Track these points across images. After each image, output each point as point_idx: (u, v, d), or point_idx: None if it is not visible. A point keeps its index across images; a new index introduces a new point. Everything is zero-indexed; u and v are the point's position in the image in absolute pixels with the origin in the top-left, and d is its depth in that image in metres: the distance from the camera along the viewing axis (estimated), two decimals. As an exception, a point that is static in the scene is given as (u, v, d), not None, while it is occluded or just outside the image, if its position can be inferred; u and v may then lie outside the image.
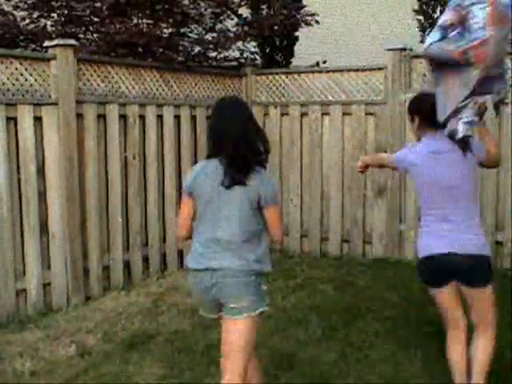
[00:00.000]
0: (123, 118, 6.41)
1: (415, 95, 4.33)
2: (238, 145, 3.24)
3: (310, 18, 8.48)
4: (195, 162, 7.17)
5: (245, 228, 3.26)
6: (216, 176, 3.25)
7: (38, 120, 5.60)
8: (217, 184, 3.25)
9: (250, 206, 3.25)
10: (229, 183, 3.23)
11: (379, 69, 7.31)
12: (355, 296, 6.01)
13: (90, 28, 7.33)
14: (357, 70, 7.48)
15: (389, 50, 7.20)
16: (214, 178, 3.26)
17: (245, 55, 8.64)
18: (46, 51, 5.85)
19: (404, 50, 7.16)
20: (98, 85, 6.16)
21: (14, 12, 7.16)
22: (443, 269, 3.68)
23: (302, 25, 8.60)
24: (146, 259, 6.74)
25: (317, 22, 8.58)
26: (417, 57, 7.09)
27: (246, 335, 3.27)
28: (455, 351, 3.74)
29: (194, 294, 3.50)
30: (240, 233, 3.25)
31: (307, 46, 11.66)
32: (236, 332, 3.28)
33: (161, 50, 6.81)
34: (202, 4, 7.71)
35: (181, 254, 7.14)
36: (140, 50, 6.96)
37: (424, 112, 3.83)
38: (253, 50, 9.06)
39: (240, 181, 3.22)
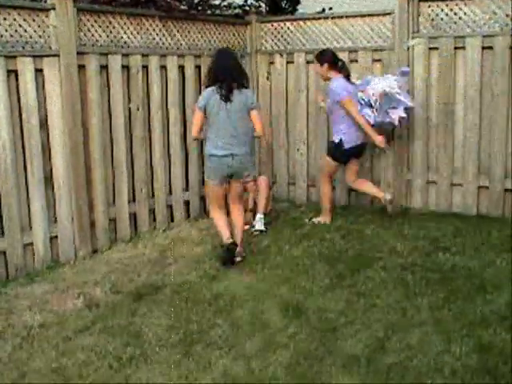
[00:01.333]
0: (126, 68, 6.29)
1: (322, 49, 6.85)
2: (233, 77, 5.39)
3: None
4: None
5: (245, 125, 5.45)
6: (220, 96, 5.34)
7: (39, 72, 5.49)
8: (220, 100, 5.34)
9: (244, 112, 5.42)
10: (229, 99, 5.35)
11: (386, 14, 7.12)
12: (362, 245, 5.99)
13: (90, -23, 7.14)
14: (363, 16, 7.28)
15: (396, -7, 7.00)
16: (219, 97, 5.35)
17: (249, 2, 8.44)
18: (45, 1, 5.71)
19: (412, -7, 6.96)
20: (100, 35, 6.02)
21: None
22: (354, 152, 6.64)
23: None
24: (152, 211, 6.71)
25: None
26: (425, 0, 6.89)
27: (241, 191, 5.77)
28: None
29: (214, 170, 5.51)
30: (243, 129, 5.44)
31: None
32: (240, 188, 5.70)
33: (163, -2, 6.65)
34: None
35: (187, 205, 7.11)
36: (142, -2, 6.80)
37: (330, 59, 6.54)
38: (257, -4, 8.87)
39: (231, 98, 5.35)
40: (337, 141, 6.55)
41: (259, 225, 6.59)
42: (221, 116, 5.36)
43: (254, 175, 5.85)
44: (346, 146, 6.52)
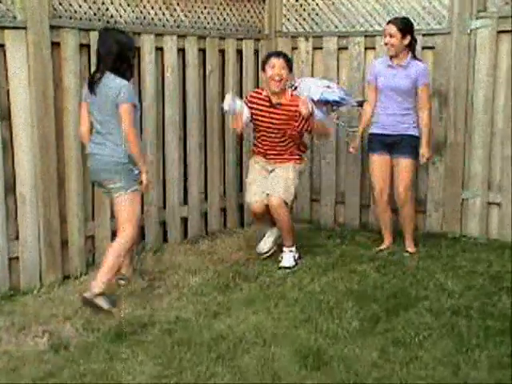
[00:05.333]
0: (112, 49, 6.29)
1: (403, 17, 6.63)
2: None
3: None
4: (204, 104, 7.07)
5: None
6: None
7: (-1, 48, 5.50)
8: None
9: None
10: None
11: (443, -12, 7.08)
12: (403, 280, 5.94)
13: None
14: (413, -9, 7.26)
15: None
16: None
17: (268, -29, 8.45)
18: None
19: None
20: (80, 6, 6.00)
21: None
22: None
23: None
24: (141, 228, 6.64)
25: None
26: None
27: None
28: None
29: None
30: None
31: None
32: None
33: (161, -38, 6.67)
34: None
35: (185, 224, 7.08)
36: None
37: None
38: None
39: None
40: (418, 134, 6.59)
41: (286, 261, 6.46)
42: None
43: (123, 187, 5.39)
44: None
